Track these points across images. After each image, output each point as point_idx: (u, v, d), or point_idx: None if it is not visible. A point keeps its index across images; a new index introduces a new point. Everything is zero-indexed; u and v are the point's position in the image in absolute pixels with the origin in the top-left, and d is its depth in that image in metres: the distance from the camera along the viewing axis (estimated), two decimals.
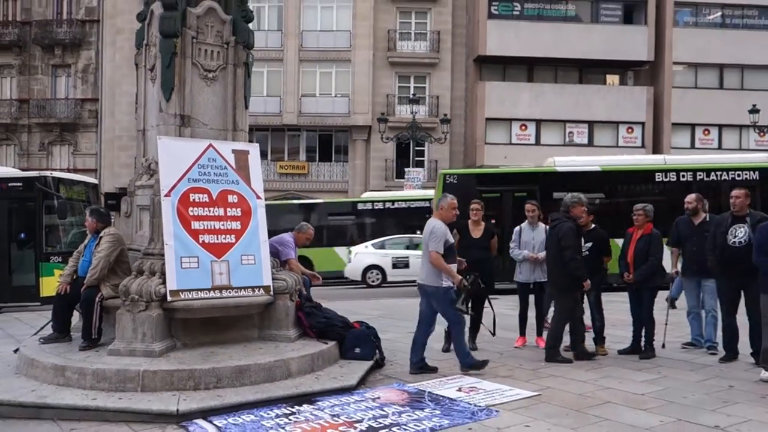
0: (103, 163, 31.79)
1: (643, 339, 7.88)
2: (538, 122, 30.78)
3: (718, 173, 16.39)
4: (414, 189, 25.83)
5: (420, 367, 7.06)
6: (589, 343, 8.11)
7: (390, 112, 30.04)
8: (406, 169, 27.05)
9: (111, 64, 31.27)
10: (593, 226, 8.01)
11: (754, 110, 25.86)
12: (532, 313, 8.62)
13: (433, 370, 7.06)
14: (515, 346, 8.49)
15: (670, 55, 31.80)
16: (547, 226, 8.02)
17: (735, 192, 7.54)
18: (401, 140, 27.50)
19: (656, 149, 31.25)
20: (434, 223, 6.99)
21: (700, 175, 16.40)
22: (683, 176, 16.44)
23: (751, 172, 16.30)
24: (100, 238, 6.77)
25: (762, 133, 29.06)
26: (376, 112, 29.75)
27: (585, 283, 7.44)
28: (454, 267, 6.95)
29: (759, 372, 6.79)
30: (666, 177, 16.50)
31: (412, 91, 30.15)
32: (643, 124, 31.24)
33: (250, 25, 7.55)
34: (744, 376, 6.89)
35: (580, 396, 6.13)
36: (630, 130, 31.22)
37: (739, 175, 16.21)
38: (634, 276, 7.76)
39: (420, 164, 29.59)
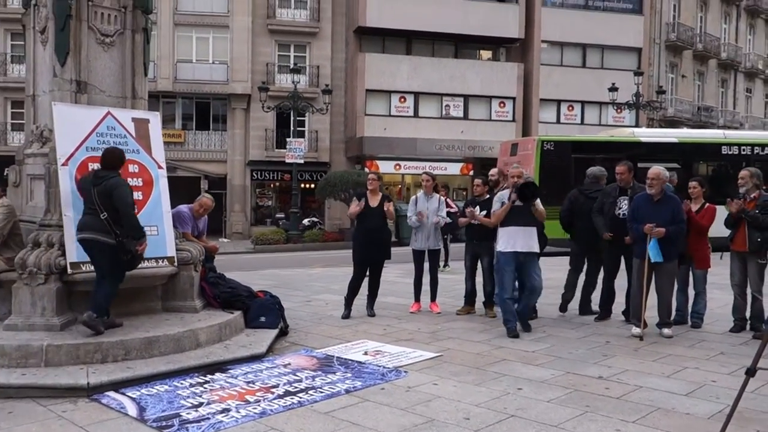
0: None
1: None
2: (417, 95, 31.43)
3: None
4: (295, 159, 25.76)
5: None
6: (479, 306, 8.70)
7: (270, 81, 29.58)
8: (287, 139, 26.85)
9: None
10: (488, 196, 8.51)
11: (613, 88, 27.76)
12: (426, 279, 9.02)
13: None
14: (411, 311, 8.89)
15: (538, 33, 33.39)
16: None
17: (619, 168, 8.12)
18: (282, 110, 27.22)
19: (525, 123, 32.94)
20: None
21: (756, 149, 19.28)
22: (743, 149, 19.20)
23: None
24: None
25: (619, 110, 31.29)
26: (255, 80, 29.22)
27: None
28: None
29: (630, 328, 7.56)
30: (729, 150, 19.20)
31: (292, 61, 29.85)
32: (514, 99, 32.71)
33: None
34: (617, 332, 7.66)
35: (478, 355, 6.59)
36: (502, 105, 32.61)
37: None
38: None
39: (301, 134, 29.46)
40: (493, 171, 9.20)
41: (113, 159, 6.10)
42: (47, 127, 6.63)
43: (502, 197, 7.63)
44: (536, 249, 7.53)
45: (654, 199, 7.23)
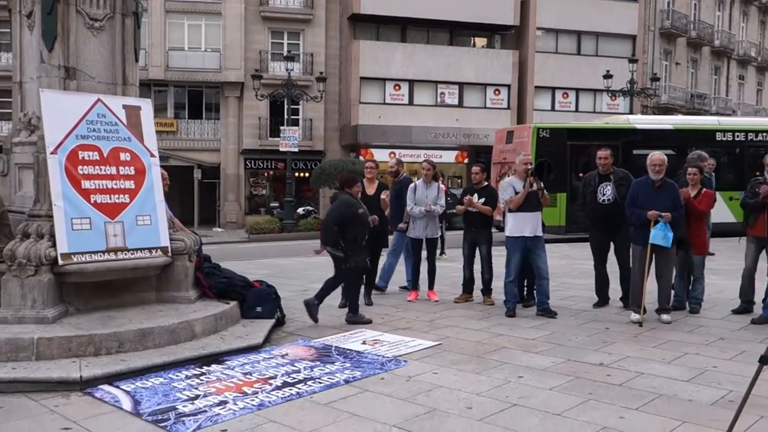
0: None
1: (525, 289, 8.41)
2: (411, 82, 31.24)
3: (764, 134, 19.40)
4: (289, 147, 25.56)
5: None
6: (477, 294, 8.61)
7: (263, 68, 29.31)
8: (281, 128, 26.65)
9: None
10: (486, 183, 8.41)
11: (607, 75, 27.68)
12: (423, 268, 8.91)
13: None
14: (408, 299, 8.79)
15: (534, 20, 33.20)
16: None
17: (601, 153, 8.11)
18: (276, 98, 27.01)
19: (520, 111, 32.80)
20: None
21: (750, 135, 19.28)
22: (737, 135, 19.23)
23: None
24: None
25: (614, 98, 31.25)
26: (248, 68, 28.98)
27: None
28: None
29: (629, 314, 7.50)
30: (724, 136, 19.14)
31: (286, 48, 29.60)
32: (509, 86, 32.55)
33: None
34: (616, 318, 7.60)
35: (477, 343, 6.50)
36: (497, 92, 32.46)
37: None
38: None
39: (295, 123, 29.26)
40: (392, 162, 9.19)
41: (342, 179, 7.76)
42: (35, 114, 6.48)
43: (511, 183, 7.73)
44: (541, 233, 7.72)
45: (655, 184, 7.16)
